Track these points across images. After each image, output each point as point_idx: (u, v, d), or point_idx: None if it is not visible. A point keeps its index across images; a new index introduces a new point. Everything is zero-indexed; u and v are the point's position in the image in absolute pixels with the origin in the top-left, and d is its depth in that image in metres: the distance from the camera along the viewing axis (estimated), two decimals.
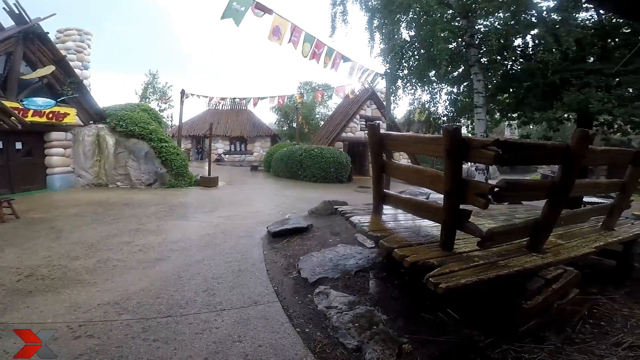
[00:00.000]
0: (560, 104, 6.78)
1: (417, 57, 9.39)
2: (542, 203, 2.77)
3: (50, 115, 9.60)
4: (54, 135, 10.12)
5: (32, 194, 9.26)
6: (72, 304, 3.08)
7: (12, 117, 6.86)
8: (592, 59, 7.26)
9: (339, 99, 22.78)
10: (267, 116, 32.50)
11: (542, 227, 2.75)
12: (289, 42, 7.99)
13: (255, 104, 17.69)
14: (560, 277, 2.74)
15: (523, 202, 5.91)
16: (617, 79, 6.18)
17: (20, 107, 8.73)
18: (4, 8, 8.64)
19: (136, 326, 2.72)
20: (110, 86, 52.77)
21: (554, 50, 7.36)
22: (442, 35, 7.66)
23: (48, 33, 9.77)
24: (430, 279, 2.18)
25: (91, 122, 11.30)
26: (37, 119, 9.24)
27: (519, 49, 8.44)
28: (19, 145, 9.40)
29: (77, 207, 7.58)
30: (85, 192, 10.04)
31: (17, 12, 8.79)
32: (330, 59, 9.06)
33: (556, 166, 2.71)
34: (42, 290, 3.35)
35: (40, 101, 9.40)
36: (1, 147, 8.89)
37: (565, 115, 7.49)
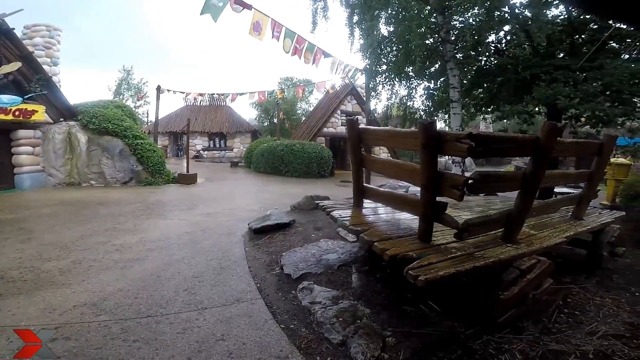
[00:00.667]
0: (530, 98, 7.01)
1: (395, 52, 9.53)
2: (516, 194, 2.87)
3: (17, 113, 9.16)
4: (22, 133, 9.67)
5: None
6: (46, 306, 2.96)
7: None
8: (561, 55, 7.53)
9: (320, 95, 22.92)
10: (247, 112, 32.27)
11: (516, 218, 2.85)
12: (272, 37, 7.97)
13: (233, 100, 17.49)
14: (534, 267, 2.84)
15: (498, 193, 6.12)
16: (584, 75, 6.39)
17: None
18: None
19: (115, 327, 2.65)
20: (82, 83, 50.91)
21: (525, 45, 7.61)
22: (419, 31, 7.82)
23: (14, 29, 9.34)
24: (409, 271, 2.22)
25: (61, 119, 10.83)
26: (2, 116, 8.82)
27: (492, 45, 8.70)
28: None
29: (48, 207, 7.27)
30: (56, 191, 9.64)
31: None
32: (311, 54, 9.10)
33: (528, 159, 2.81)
34: (13, 292, 3.21)
35: (6, 98, 8.94)
36: None
37: (537, 109, 7.77)
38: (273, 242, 4.91)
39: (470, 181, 2.37)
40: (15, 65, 9.05)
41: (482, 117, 11.00)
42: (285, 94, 19.48)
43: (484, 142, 2.33)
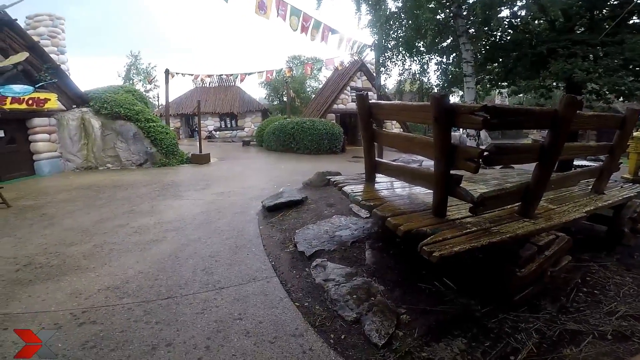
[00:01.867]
0: (547, 73, 7.03)
1: (404, 28, 9.25)
2: (533, 167, 2.77)
3: (30, 102, 9.34)
4: (37, 121, 9.87)
5: (20, 180, 9.10)
6: (72, 290, 3.09)
7: None
8: (580, 30, 7.39)
9: (329, 72, 22.48)
10: (256, 91, 32.03)
11: (533, 191, 2.77)
12: (277, 16, 7.83)
13: (242, 80, 17.33)
14: (552, 243, 2.75)
15: (515, 166, 5.97)
16: (604, 50, 6.35)
17: None
18: None
19: (138, 309, 2.75)
20: (86, 70, 50.98)
21: (541, 20, 7.40)
22: (429, 6, 7.58)
23: (17, 20, 9.30)
24: (424, 247, 2.20)
25: (74, 106, 10.99)
26: (16, 105, 8.99)
27: (506, 20, 8.42)
28: (0, 134, 9.16)
29: (67, 192, 7.49)
30: (75, 176, 9.89)
31: None
32: (318, 31, 8.92)
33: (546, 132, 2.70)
34: (42, 278, 3.35)
35: (18, 88, 9.10)
36: None
37: (555, 84, 7.64)
38: (286, 220, 4.95)
39: (485, 153, 2.29)
40: (22, 55, 9.13)
41: (497, 91, 10.72)
42: (294, 72, 19.16)
43: (500, 114, 2.23)
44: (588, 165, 6.57)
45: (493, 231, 2.48)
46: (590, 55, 6.37)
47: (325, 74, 27.40)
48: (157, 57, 64.43)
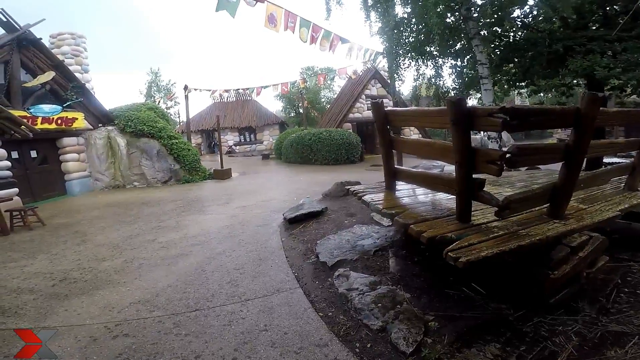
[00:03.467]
0: (566, 71, 6.96)
1: (414, 33, 9.29)
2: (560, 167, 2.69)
3: (59, 122, 9.75)
4: (66, 140, 10.31)
5: (53, 200, 9.55)
6: (106, 304, 3.20)
7: (22, 126, 7.01)
8: (595, 26, 7.34)
9: (343, 81, 22.63)
10: (272, 104, 32.70)
11: (561, 191, 2.68)
12: (286, 29, 8.00)
13: (258, 93, 17.78)
14: (586, 244, 2.65)
15: (542, 167, 5.80)
16: (623, 45, 6.26)
17: (28, 115, 8.88)
18: None
19: (168, 322, 2.82)
20: (103, 87, 53.05)
21: (554, 19, 7.34)
22: (437, 9, 7.59)
23: (41, 39, 9.72)
24: (449, 253, 2.16)
25: (100, 124, 11.44)
26: (46, 125, 9.40)
27: (519, 20, 8.35)
28: (33, 154, 9.61)
29: (97, 210, 7.80)
30: (103, 194, 10.30)
31: (4, 19, 8.72)
32: (328, 41, 9.04)
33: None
34: (77, 293, 3.49)
35: (47, 108, 9.52)
36: (17, 156, 9.07)
37: (575, 82, 7.59)
38: (307, 231, 4.97)
39: (507, 155, 2.25)
40: (49, 75, 9.54)
41: (516, 92, 10.52)
42: (308, 83, 19.41)
43: (519, 115, 2.20)
44: (619, 162, 6.33)
45: (521, 234, 2.41)
46: (609, 51, 6.31)
47: (339, 84, 27.74)
48: (171, 73, 66.67)
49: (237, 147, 24.94)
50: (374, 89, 20.19)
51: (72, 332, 2.73)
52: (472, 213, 2.73)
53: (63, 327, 2.80)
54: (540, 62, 7.55)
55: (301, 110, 26.21)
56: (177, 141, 12.01)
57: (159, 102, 29.82)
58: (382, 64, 14.80)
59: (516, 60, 8.58)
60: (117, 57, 61.58)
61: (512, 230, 2.49)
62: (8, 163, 8.03)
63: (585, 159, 2.74)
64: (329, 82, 29.37)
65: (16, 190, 7.83)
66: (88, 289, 3.58)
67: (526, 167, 6.15)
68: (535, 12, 8.29)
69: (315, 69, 31.75)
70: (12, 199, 7.24)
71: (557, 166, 2.76)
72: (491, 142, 8.73)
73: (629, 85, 6.48)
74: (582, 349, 2.12)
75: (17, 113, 7.59)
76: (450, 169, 3.60)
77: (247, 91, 19.01)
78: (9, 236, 5.91)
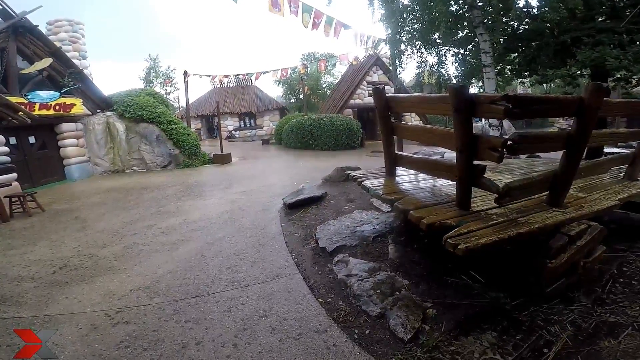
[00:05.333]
0: (574, 62, 6.90)
1: (418, 21, 9.14)
2: (560, 156, 2.66)
3: (57, 107, 9.70)
4: (65, 126, 10.26)
5: (52, 185, 9.54)
6: (106, 291, 3.22)
7: (20, 112, 6.93)
8: (602, 18, 7.24)
9: (344, 67, 22.36)
10: (273, 90, 32.38)
11: (562, 180, 2.66)
12: (290, 13, 7.92)
13: (257, 78, 17.56)
14: (584, 233, 2.64)
15: (541, 155, 5.76)
16: (631, 37, 6.28)
17: (26, 101, 8.81)
18: None
19: (168, 309, 2.84)
20: (105, 75, 52.50)
21: (561, 9, 7.24)
22: None
23: (38, 26, 9.61)
24: (448, 240, 2.16)
25: (99, 110, 11.37)
26: (44, 112, 9.34)
27: (524, 10, 8.20)
28: (32, 140, 9.56)
29: (97, 196, 7.80)
30: (103, 179, 10.28)
31: (0, 7, 8.54)
32: (330, 27, 8.95)
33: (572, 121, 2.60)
34: (77, 280, 3.51)
35: (45, 94, 9.45)
36: (15, 143, 9.01)
37: (579, 72, 7.69)
38: (307, 216, 4.97)
39: (509, 142, 2.22)
40: (46, 61, 9.43)
41: (519, 81, 10.39)
42: (308, 69, 19.17)
43: (522, 103, 2.17)
44: (619, 152, 6.34)
45: (520, 222, 2.40)
46: (617, 42, 6.32)
47: (340, 69, 27.48)
48: (172, 60, 65.67)
49: (237, 132, 24.81)
50: (375, 76, 19.97)
51: (73, 320, 2.76)
52: (472, 200, 2.71)
53: (64, 315, 2.83)
54: (546, 52, 7.52)
55: (302, 96, 25.93)
56: (176, 126, 11.94)
57: (157, 87, 29.52)
58: (384, 50, 14.58)
59: (521, 50, 8.51)
60: (120, 46, 60.71)
61: (511, 217, 2.48)
62: (6, 149, 7.97)
63: (585, 148, 2.71)
64: (330, 68, 29.01)
65: (15, 175, 7.78)
66: (88, 276, 3.60)
67: (526, 155, 6.12)
68: (540, 2, 8.16)
69: (316, 54, 31.38)
70: (11, 184, 7.24)
71: (557, 155, 2.74)
72: (492, 129, 8.69)
73: (634, 77, 6.51)
74: (576, 339, 2.14)
75: (14, 99, 7.49)
76: (450, 156, 3.56)
77: (247, 76, 18.80)
78: (8, 223, 5.92)
